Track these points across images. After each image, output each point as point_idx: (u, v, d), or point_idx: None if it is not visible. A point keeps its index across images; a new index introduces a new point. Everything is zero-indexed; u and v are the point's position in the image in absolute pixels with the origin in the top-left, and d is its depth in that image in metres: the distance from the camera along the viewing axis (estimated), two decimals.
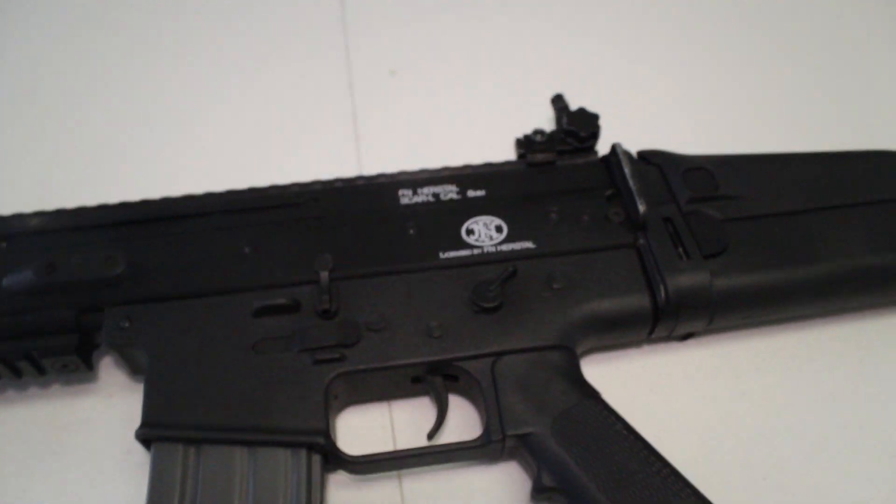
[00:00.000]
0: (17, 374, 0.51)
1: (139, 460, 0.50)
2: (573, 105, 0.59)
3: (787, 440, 0.51)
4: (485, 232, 0.53)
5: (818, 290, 0.52)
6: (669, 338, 0.54)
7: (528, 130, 0.58)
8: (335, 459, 0.47)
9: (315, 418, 0.46)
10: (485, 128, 0.69)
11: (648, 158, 0.56)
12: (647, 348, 0.55)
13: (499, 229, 0.53)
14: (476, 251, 0.52)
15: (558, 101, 0.60)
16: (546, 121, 0.66)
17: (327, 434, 0.45)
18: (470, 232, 0.53)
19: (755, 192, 0.54)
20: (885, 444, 0.51)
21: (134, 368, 0.52)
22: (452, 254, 0.52)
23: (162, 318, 0.49)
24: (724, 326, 0.54)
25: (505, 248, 0.52)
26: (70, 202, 0.55)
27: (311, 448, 0.46)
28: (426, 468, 0.50)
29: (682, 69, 0.75)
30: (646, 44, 0.77)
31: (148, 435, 0.46)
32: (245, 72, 0.75)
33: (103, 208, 0.54)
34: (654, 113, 0.69)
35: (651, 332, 0.51)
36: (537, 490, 0.46)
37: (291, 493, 0.45)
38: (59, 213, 0.53)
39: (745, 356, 0.55)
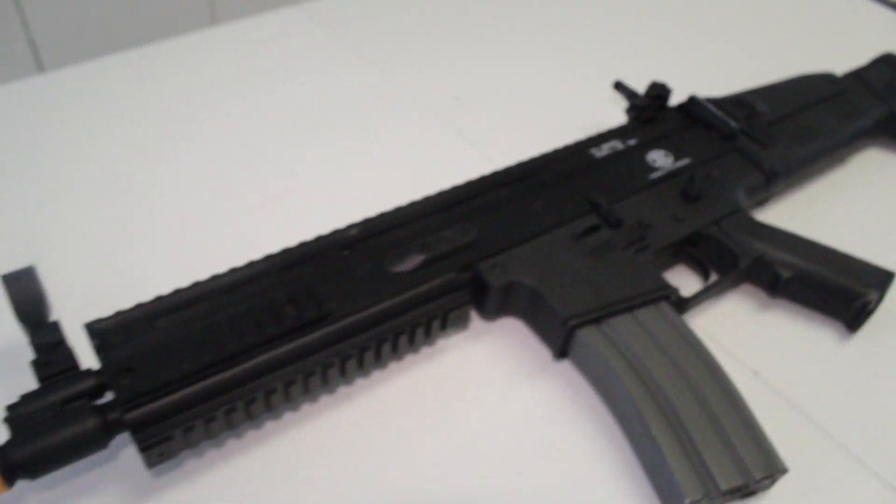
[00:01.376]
0: (410, 343, 0.65)
1: (523, 374, 0.67)
2: (632, 83, 0.89)
3: None
4: (661, 159, 0.79)
5: (822, 152, 0.87)
6: (759, 202, 0.84)
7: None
8: (678, 305, 0.69)
9: (660, 282, 0.68)
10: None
11: (707, 101, 0.87)
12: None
13: (666, 156, 0.80)
14: (665, 170, 0.78)
15: (621, 86, 0.89)
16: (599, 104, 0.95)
17: (674, 286, 0.68)
18: (653, 161, 0.79)
19: (769, 107, 0.88)
20: None
21: (497, 308, 0.68)
22: (654, 175, 0.78)
23: (520, 256, 0.68)
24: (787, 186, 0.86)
25: (679, 164, 0.79)
26: None
27: (667, 299, 0.68)
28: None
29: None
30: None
31: (574, 323, 0.64)
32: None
33: (440, 195, 0.70)
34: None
35: (767, 192, 0.82)
36: (780, 284, 0.72)
37: (678, 331, 0.66)
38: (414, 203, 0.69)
39: None
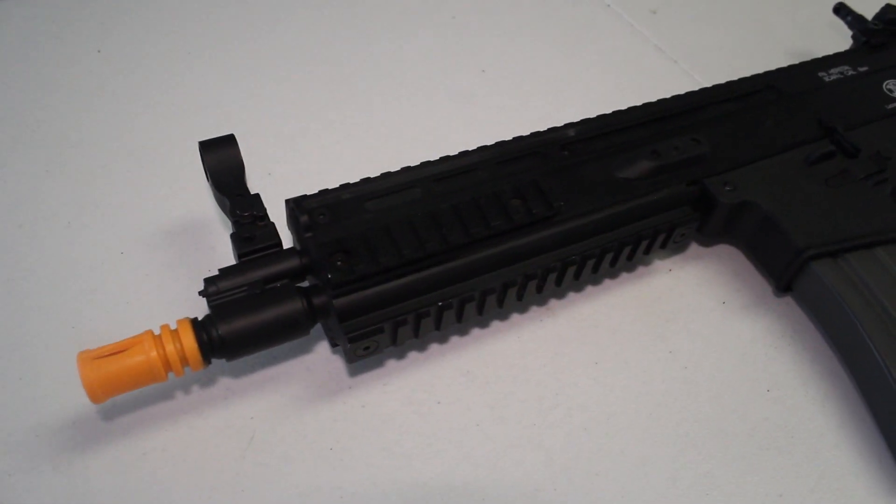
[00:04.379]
0: (630, 257, 0.60)
1: (738, 305, 0.61)
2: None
3: None
4: None
5: None
6: None
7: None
8: None
9: None
10: None
11: None
12: None
13: None
14: None
15: (844, 8, 0.80)
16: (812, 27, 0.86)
17: None
18: (890, 90, 0.71)
19: None
20: None
21: (719, 230, 0.63)
22: (893, 105, 0.70)
23: (751, 176, 0.61)
24: None
25: None
26: None
27: None
28: None
29: None
30: None
31: (811, 253, 0.58)
32: None
33: (661, 102, 0.64)
34: None
35: None
36: None
37: None
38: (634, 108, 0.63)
39: None
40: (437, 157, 0.58)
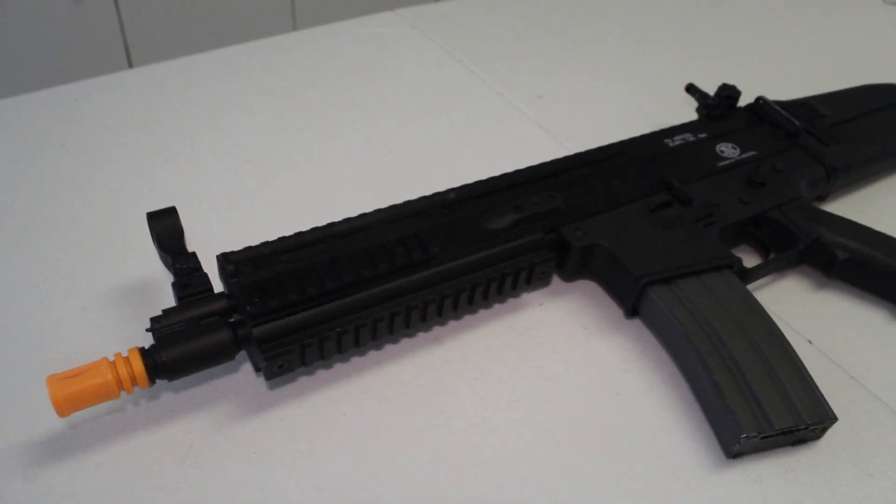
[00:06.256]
0: (499, 291, 0.73)
1: (596, 330, 0.75)
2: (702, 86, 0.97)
3: None
4: (728, 150, 0.87)
5: (882, 154, 0.94)
6: (819, 198, 0.91)
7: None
8: (741, 275, 0.76)
9: (725, 251, 0.75)
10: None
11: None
12: None
13: (734, 148, 0.87)
14: (733, 159, 0.86)
15: (693, 87, 0.97)
16: (672, 104, 1.03)
17: (736, 257, 0.75)
18: (721, 152, 0.87)
19: (831, 111, 0.95)
20: None
21: (576, 269, 0.77)
22: (722, 163, 0.85)
23: (600, 224, 0.76)
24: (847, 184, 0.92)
25: (745, 155, 0.86)
26: None
27: (730, 267, 0.75)
28: (755, 283, 0.81)
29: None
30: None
31: (646, 280, 0.71)
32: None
33: (529, 169, 0.79)
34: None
35: (828, 186, 0.88)
36: (836, 266, 0.79)
37: (740, 296, 0.73)
38: (505, 174, 0.78)
39: None
40: (341, 219, 0.71)
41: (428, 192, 0.76)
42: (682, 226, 0.76)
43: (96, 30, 1.65)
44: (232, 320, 0.64)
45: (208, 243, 0.77)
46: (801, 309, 0.78)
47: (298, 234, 0.69)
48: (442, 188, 0.77)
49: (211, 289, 0.65)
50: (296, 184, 0.91)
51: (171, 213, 0.69)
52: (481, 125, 1.02)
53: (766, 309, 0.71)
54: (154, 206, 0.70)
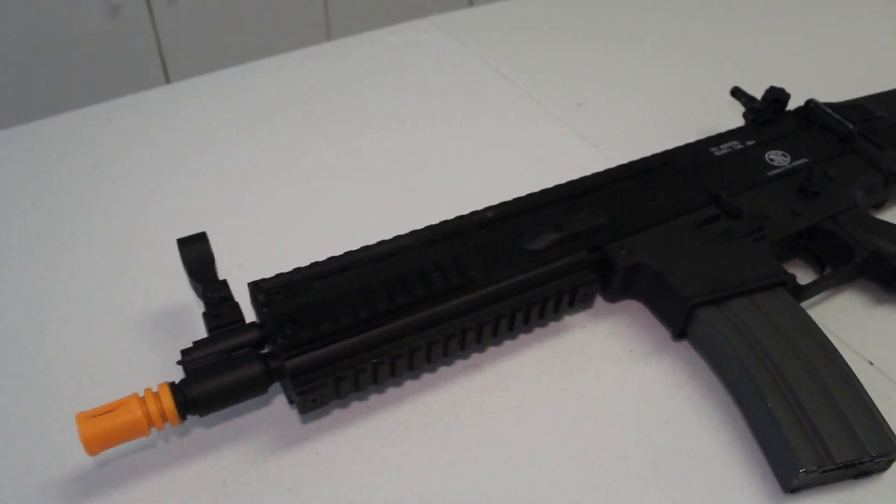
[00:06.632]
0: (540, 315, 0.70)
1: (643, 352, 0.72)
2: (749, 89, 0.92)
3: None
4: (778, 158, 0.83)
5: None
6: (876, 205, 0.86)
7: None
8: (795, 292, 0.72)
9: (777, 268, 0.72)
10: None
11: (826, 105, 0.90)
12: None
13: (784, 155, 0.83)
14: (783, 167, 0.82)
15: (739, 91, 0.93)
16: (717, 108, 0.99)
17: (790, 274, 0.71)
18: (771, 160, 0.83)
19: (888, 112, 0.90)
20: None
21: (621, 289, 0.73)
22: (772, 172, 0.81)
23: (645, 240, 0.72)
24: None
25: (796, 163, 0.82)
26: None
27: (784, 285, 0.71)
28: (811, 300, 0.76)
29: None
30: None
31: (695, 302, 0.68)
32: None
33: (569, 184, 0.76)
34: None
35: (885, 192, 0.84)
36: None
37: (795, 316, 0.69)
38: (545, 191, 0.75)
39: None
40: (375, 242, 0.69)
41: (465, 208, 0.73)
42: (731, 241, 0.73)
43: (132, 44, 1.65)
44: (264, 352, 0.62)
45: (241, 266, 0.75)
46: (860, 327, 0.74)
47: (332, 259, 0.67)
48: (479, 203, 0.74)
49: (242, 319, 0.63)
50: (332, 200, 0.89)
51: (200, 238, 0.67)
52: (519, 135, 0.99)
53: (822, 328, 0.67)
54: (186, 229, 0.68)
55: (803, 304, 0.71)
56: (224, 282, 0.65)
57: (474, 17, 1.24)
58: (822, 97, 0.91)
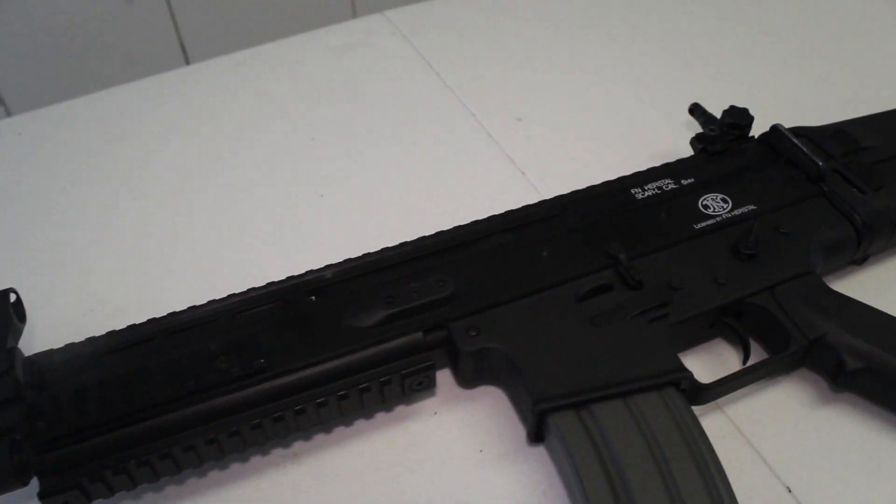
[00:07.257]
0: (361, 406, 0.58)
1: (495, 454, 0.58)
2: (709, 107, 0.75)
3: None
4: (716, 204, 0.66)
5: None
6: (855, 261, 0.68)
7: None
8: (693, 393, 0.56)
9: (669, 363, 0.56)
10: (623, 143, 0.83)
11: (796, 132, 0.71)
12: None
13: (724, 201, 0.66)
14: (718, 218, 0.65)
15: (698, 109, 0.75)
16: (677, 129, 0.81)
17: (688, 370, 0.55)
18: (705, 206, 0.66)
19: (879, 141, 0.70)
20: None
21: (473, 375, 0.60)
22: (703, 224, 0.64)
23: (504, 317, 0.58)
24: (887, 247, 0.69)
25: (737, 212, 0.65)
26: None
27: (676, 385, 0.55)
28: (731, 395, 0.60)
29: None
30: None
31: (544, 407, 0.54)
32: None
33: (436, 235, 0.63)
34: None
35: (857, 252, 0.65)
36: (845, 376, 0.58)
37: (679, 427, 0.54)
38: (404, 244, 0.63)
39: None
40: (183, 308, 0.59)
41: (347, 251, 0.63)
42: (621, 320, 0.58)
43: (149, 29, 1.59)
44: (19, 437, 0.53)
45: (92, 312, 0.69)
46: (789, 437, 0.58)
47: (132, 328, 0.58)
48: (369, 244, 0.64)
49: (14, 398, 0.54)
50: (209, 239, 0.78)
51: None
52: (444, 156, 0.83)
53: (736, 434, 0.56)
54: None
55: (714, 403, 0.58)
56: (11, 350, 0.56)
57: (433, 12, 1.08)
58: (812, 117, 0.73)
